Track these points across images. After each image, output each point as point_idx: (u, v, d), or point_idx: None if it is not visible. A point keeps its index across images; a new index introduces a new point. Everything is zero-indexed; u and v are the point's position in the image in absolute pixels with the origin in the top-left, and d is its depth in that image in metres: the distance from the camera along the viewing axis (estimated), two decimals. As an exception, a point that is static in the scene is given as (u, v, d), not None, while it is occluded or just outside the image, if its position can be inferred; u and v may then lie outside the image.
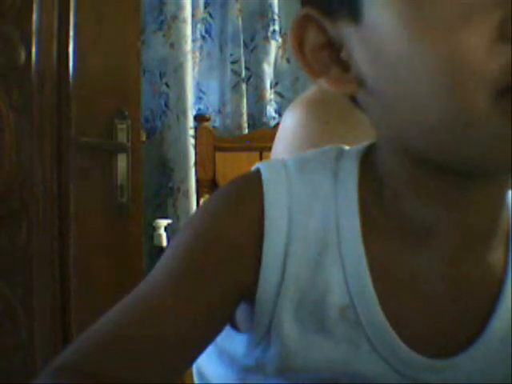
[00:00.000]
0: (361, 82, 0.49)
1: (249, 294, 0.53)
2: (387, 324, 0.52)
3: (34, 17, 1.61)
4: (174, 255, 0.53)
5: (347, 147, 0.57)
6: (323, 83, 0.51)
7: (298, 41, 0.51)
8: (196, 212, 0.58)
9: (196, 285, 0.51)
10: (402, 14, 0.44)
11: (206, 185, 2.18)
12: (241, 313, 0.56)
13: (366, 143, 0.56)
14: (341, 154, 0.56)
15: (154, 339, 0.49)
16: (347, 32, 0.49)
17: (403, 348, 0.52)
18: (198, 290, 0.51)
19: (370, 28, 0.47)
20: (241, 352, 0.56)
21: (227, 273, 0.52)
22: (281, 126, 0.93)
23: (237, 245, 0.52)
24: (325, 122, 0.87)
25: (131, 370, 0.49)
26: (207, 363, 0.62)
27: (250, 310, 0.54)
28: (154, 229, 2.11)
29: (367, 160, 0.54)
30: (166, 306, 0.50)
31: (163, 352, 0.50)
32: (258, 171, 0.55)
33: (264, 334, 0.53)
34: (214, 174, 2.20)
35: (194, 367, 0.66)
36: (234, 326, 0.58)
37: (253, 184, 0.53)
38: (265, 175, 0.54)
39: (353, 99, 0.54)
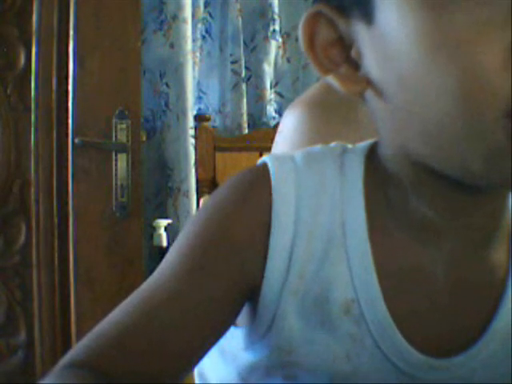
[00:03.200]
0: (369, 82, 0.49)
1: (254, 288, 0.53)
2: (391, 321, 0.52)
3: (34, 17, 1.62)
4: (181, 252, 0.53)
5: (350, 145, 0.57)
6: (332, 80, 0.51)
7: (308, 36, 0.50)
8: (202, 207, 0.57)
9: (203, 282, 0.51)
10: (417, 21, 0.44)
11: (206, 185, 2.18)
12: None
13: (369, 140, 0.56)
14: (345, 150, 0.56)
15: (159, 339, 0.49)
16: (358, 31, 0.49)
17: (405, 345, 0.52)
18: (204, 288, 0.51)
19: (381, 30, 0.46)
20: (240, 347, 0.56)
21: (234, 269, 0.52)
22: (281, 126, 0.93)
23: (244, 240, 0.52)
24: (325, 121, 0.87)
25: (138, 369, 0.49)
26: (208, 363, 0.62)
27: (250, 304, 0.54)
28: (154, 229, 2.11)
29: (372, 157, 0.54)
30: (172, 304, 0.50)
31: (169, 352, 0.50)
32: (265, 165, 0.54)
33: (267, 328, 0.53)
34: (214, 174, 2.20)
35: (196, 367, 0.66)
36: None
37: (261, 178, 0.53)
38: (273, 169, 0.54)
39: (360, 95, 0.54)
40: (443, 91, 0.43)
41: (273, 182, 0.53)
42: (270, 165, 0.54)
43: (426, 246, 0.52)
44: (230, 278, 0.52)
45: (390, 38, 0.46)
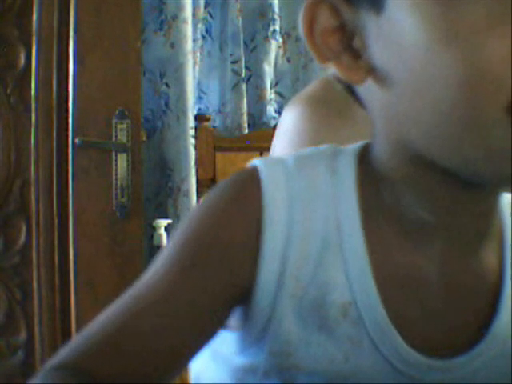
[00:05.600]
0: (371, 71, 0.49)
1: (245, 293, 0.52)
2: (389, 322, 0.52)
3: (34, 17, 1.62)
4: (171, 255, 0.53)
5: (341, 147, 0.57)
6: (332, 68, 0.50)
7: (308, 23, 0.49)
8: (192, 211, 0.57)
9: (192, 286, 0.51)
10: (427, 12, 0.44)
11: (206, 184, 2.18)
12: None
13: (360, 142, 0.56)
14: (336, 153, 0.55)
15: (149, 341, 0.49)
16: (365, 20, 0.48)
17: (404, 347, 0.52)
18: (194, 291, 0.51)
19: (391, 20, 0.46)
20: (233, 350, 0.56)
21: (225, 273, 0.51)
22: (280, 124, 0.93)
23: (235, 244, 0.52)
24: (324, 119, 0.87)
25: (126, 370, 0.48)
26: (203, 366, 0.61)
27: (242, 308, 0.54)
28: (154, 229, 2.11)
29: (364, 158, 0.54)
30: (162, 306, 0.50)
31: (158, 354, 0.49)
32: (255, 168, 0.54)
33: (260, 331, 0.53)
34: (214, 174, 2.20)
35: (192, 369, 0.66)
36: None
37: (251, 181, 0.53)
38: (263, 173, 0.53)
39: (352, 93, 0.54)
40: (449, 81, 0.43)
41: (263, 185, 0.52)
42: (260, 168, 0.53)
43: (420, 246, 0.52)
44: (220, 281, 0.51)
45: (400, 28, 0.45)
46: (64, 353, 0.49)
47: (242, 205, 0.53)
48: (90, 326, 0.50)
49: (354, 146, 0.56)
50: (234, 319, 0.55)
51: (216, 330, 0.53)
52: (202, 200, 0.55)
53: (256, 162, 0.55)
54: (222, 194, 0.54)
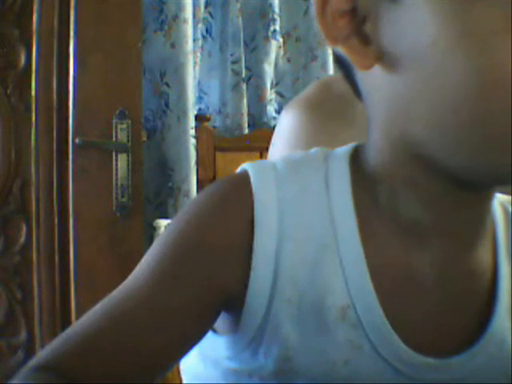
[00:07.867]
0: (381, 58, 0.48)
1: (234, 297, 0.52)
2: (387, 324, 0.52)
3: (35, 17, 1.62)
4: (155, 258, 0.52)
5: (331, 150, 0.56)
6: (341, 50, 0.50)
7: (321, 2, 0.49)
8: (181, 212, 0.56)
9: (177, 286, 0.50)
10: (444, 9, 0.43)
11: (207, 185, 2.18)
12: (220, 315, 0.54)
13: (350, 144, 0.56)
14: (328, 156, 0.55)
15: (131, 341, 0.49)
16: (379, 6, 0.47)
17: (403, 347, 0.52)
18: (177, 294, 0.50)
19: (407, 10, 0.45)
20: (224, 354, 0.55)
21: (211, 274, 0.51)
22: (278, 126, 0.93)
23: (223, 247, 0.51)
24: (322, 121, 0.87)
25: (107, 370, 0.48)
26: (193, 366, 0.61)
27: (232, 313, 0.53)
28: (155, 229, 2.11)
29: (356, 161, 0.54)
30: (144, 309, 0.49)
31: (141, 354, 0.49)
32: (245, 172, 0.54)
33: (254, 336, 0.53)
34: (215, 174, 2.20)
35: (183, 369, 0.65)
36: (212, 328, 0.56)
37: (241, 185, 0.53)
38: (253, 176, 0.53)
39: (353, 87, 0.54)
40: (463, 77, 0.43)
41: (253, 189, 0.52)
42: (250, 172, 0.53)
43: (416, 247, 0.52)
44: (207, 282, 0.51)
45: (415, 19, 0.45)
46: (44, 353, 0.48)
47: (232, 209, 0.52)
48: (72, 326, 0.50)
49: (345, 149, 0.55)
50: (223, 323, 0.54)
51: (202, 332, 0.52)
52: (189, 203, 0.55)
53: (246, 165, 0.55)
54: (211, 198, 0.54)
